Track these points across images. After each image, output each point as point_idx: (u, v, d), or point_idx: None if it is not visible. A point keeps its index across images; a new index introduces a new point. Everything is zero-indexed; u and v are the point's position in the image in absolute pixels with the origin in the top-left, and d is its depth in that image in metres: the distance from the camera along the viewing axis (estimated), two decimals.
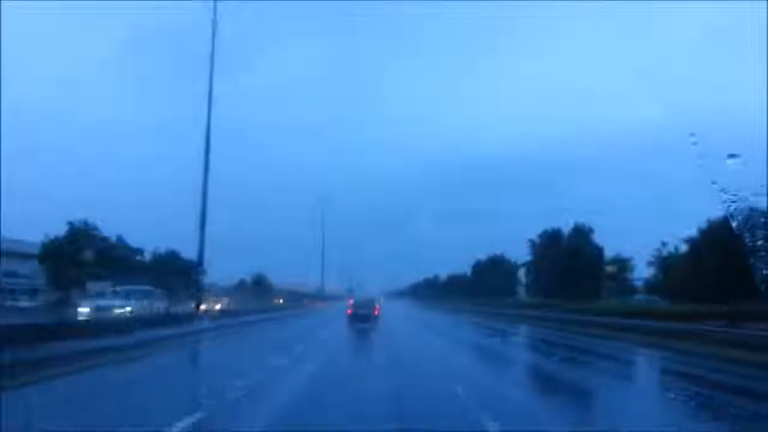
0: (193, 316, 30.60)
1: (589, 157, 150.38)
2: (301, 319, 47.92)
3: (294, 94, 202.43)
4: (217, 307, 44.06)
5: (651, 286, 44.21)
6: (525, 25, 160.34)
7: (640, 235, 76.75)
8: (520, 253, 78.48)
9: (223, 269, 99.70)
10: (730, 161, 5.92)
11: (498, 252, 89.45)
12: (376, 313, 35.79)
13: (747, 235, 5.90)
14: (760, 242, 5.81)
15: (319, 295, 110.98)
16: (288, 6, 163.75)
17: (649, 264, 46.01)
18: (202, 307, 30.65)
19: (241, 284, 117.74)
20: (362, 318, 33.78)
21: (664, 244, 40.43)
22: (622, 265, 49.09)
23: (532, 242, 56.65)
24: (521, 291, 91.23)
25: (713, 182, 5.90)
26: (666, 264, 40.00)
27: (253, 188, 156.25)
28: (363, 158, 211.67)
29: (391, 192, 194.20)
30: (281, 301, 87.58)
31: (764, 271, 5.84)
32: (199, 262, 33.35)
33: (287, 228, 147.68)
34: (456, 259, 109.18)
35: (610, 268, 51.22)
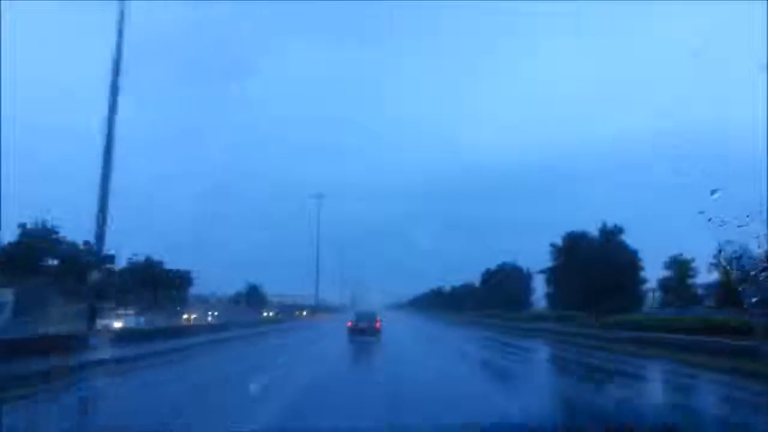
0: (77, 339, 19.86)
1: (595, 165, 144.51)
2: (276, 338, 38.20)
3: (294, 102, 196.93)
4: (118, 324, 35.29)
5: (717, 293, 36.11)
6: (537, 28, 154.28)
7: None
8: (534, 261, 71.18)
9: (222, 280, 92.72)
10: (714, 195, 7.45)
11: (509, 260, 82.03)
12: (377, 326, 34.28)
13: (735, 264, 7.14)
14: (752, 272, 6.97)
15: (316, 307, 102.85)
16: (288, 7, 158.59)
17: (711, 267, 38.10)
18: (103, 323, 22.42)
19: (238, 296, 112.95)
20: (363, 332, 32.60)
21: (729, 242, 32.25)
22: (683, 267, 40.61)
23: (554, 247, 48.64)
24: (537, 302, 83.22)
25: (700, 212, 6.70)
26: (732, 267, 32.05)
27: (252, 199, 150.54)
28: (365, 169, 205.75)
29: (395, 204, 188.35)
30: (271, 313, 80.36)
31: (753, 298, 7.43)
32: (97, 260, 25.61)
33: (289, 239, 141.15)
34: (462, 269, 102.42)
35: (661, 273, 42.86)
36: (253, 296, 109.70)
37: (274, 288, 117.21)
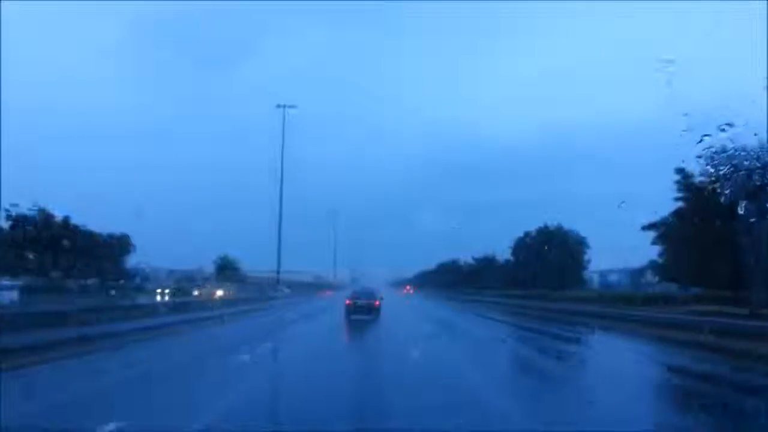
0: None
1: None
2: None
3: (293, 83, 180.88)
4: None
5: None
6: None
7: None
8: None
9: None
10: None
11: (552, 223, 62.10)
12: (376, 304, 34.08)
13: None
14: None
15: (279, 281, 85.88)
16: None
17: None
18: None
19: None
20: (361, 310, 33.30)
21: None
22: None
23: (682, 174, 28.24)
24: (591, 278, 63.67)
25: None
26: None
27: (247, 180, 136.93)
28: (366, 143, 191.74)
29: (396, 179, 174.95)
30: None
31: None
32: None
33: (289, 217, 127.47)
34: (476, 246, 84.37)
35: None
36: (224, 272, 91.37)
37: (266, 264, 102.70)
